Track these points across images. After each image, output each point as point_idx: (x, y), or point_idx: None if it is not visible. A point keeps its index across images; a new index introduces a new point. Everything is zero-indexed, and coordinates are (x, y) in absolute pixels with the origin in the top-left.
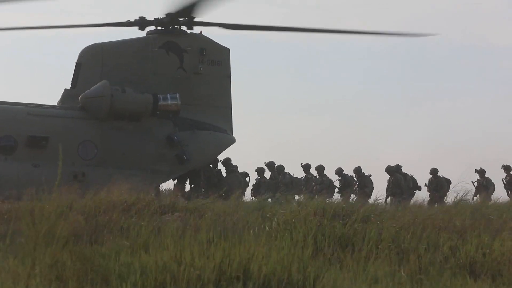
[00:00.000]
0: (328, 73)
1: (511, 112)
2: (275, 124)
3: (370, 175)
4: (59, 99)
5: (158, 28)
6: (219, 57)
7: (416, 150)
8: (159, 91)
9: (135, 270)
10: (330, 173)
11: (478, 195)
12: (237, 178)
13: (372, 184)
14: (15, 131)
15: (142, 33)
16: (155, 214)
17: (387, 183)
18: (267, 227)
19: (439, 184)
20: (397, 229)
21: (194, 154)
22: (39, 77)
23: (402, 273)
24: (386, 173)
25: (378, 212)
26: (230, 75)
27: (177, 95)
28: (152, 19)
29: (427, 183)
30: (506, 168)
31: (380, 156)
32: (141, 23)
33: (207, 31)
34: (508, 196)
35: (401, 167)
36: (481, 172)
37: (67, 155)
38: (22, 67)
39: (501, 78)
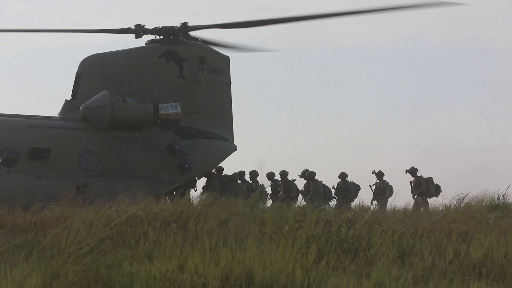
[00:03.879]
0: (329, 79)
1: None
2: (276, 131)
3: (294, 180)
4: (59, 110)
5: (156, 37)
6: (219, 65)
7: (416, 154)
8: (159, 100)
9: (139, 280)
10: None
11: (376, 200)
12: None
13: (297, 188)
14: (17, 143)
15: (138, 41)
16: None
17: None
18: (269, 234)
19: (345, 189)
20: (399, 234)
21: (196, 162)
22: (39, 89)
23: (408, 276)
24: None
25: (381, 218)
26: (230, 83)
27: (178, 104)
28: (151, 27)
29: (335, 187)
30: (411, 171)
31: (382, 161)
32: (138, 31)
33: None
34: (413, 199)
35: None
36: (379, 174)
37: (69, 166)
38: (22, 79)
39: (504, 79)
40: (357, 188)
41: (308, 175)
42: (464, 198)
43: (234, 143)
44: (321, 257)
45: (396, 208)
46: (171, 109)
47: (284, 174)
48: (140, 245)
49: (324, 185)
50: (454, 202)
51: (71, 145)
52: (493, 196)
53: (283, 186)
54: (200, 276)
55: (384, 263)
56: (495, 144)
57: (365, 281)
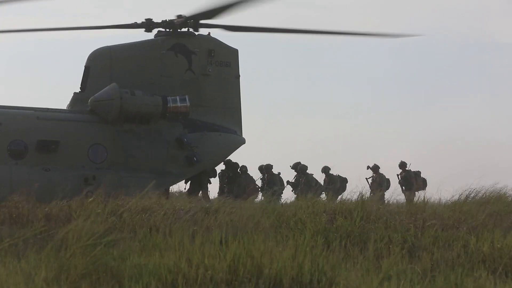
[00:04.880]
0: (336, 73)
1: None
2: (284, 124)
3: (279, 173)
4: (68, 103)
5: (166, 30)
6: (227, 58)
7: (421, 149)
8: (168, 93)
9: (147, 271)
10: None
11: (373, 193)
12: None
13: (283, 182)
14: (25, 136)
15: (149, 35)
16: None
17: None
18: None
19: (330, 182)
20: (408, 227)
21: (204, 155)
22: (48, 81)
23: (417, 268)
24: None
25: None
26: (239, 76)
27: (186, 97)
28: (160, 21)
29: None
30: (401, 165)
31: (387, 156)
32: (148, 25)
33: (215, 33)
34: (402, 192)
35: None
36: (374, 168)
37: (77, 159)
38: (31, 71)
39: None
40: (344, 180)
41: (300, 168)
42: (472, 193)
43: (243, 136)
44: (329, 250)
45: (397, 201)
46: (179, 102)
47: (268, 167)
48: (150, 238)
49: (315, 179)
50: (462, 196)
51: (79, 138)
52: (501, 190)
53: (266, 179)
54: (208, 269)
55: (392, 256)
56: (501, 140)
57: (373, 273)
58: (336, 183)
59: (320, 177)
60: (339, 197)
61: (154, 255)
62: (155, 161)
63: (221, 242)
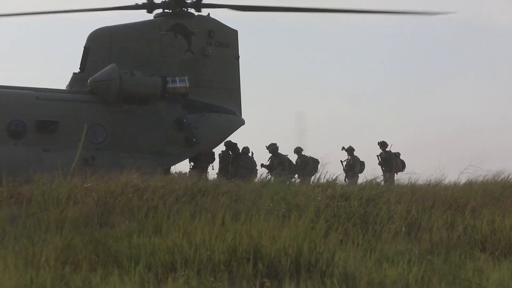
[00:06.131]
0: (338, 54)
1: None
2: (284, 105)
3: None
4: (67, 83)
5: (166, 10)
6: (227, 39)
7: (425, 134)
8: (167, 74)
9: (146, 252)
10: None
11: (346, 175)
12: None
13: (254, 162)
14: (25, 116)
15: (150, 16)
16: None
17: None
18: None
19: (303, 163)
20: (407, 209)
21: (203, 136)
22: (48, 62)
23: (415, 250)
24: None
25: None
26: (238, 57)
27: (186, 77)
28: (160, 1)
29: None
30: (381, 144)
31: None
32: (149, 6)
33: (215, 13)
34: (382, 172)
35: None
36: (349, 150)
37: (76, 139)
38: (30, 51)
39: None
40: (316, 162)
41: (271, 150)
42: (472, 176)
43: (242, 117)
44: (329, 231)
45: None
46: (179, 82)
47: (234, 146)
48: (149, 219)
49: (289, 159)
50: (462, 179)
51: (79, 118)
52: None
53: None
54: (207, 249)
55: (390, 237)
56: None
57: (371, 254)
58: (309, 165)
59: (293, 158)
60: (312, 178)
61: (154, 236)
62: (155, 142)
63: (221, 223)
